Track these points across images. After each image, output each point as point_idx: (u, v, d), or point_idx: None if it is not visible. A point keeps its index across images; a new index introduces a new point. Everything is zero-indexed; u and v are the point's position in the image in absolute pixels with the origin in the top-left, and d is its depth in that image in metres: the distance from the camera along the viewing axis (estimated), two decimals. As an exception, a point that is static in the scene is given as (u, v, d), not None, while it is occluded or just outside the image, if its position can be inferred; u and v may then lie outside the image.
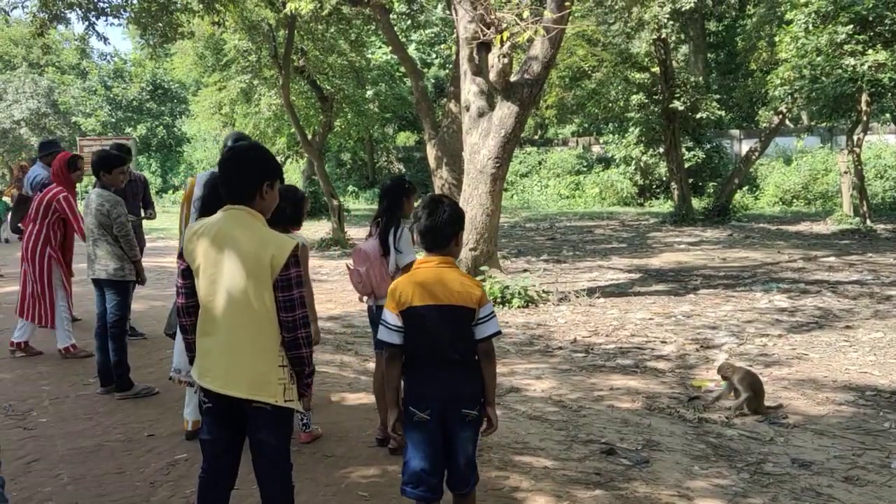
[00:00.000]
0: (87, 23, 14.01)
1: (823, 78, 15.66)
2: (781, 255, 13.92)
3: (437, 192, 13.34)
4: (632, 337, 7.94)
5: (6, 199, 17.87)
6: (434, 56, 36.01)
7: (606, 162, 29.90)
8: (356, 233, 18.05)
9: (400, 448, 4.49)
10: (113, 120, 40.86)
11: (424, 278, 3.17)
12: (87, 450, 4.82)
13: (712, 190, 24.31)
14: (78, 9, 13.69)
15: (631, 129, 25.96)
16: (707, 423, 5.27)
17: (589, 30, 21.03)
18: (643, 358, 7.08)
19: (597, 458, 4.60)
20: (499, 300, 9.36)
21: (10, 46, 42.80)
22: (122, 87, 42.12)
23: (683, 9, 19.29)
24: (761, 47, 20.91)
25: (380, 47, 29.82)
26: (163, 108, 42.61)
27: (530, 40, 9.24)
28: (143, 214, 8.29)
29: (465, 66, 10.38)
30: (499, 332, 3.22)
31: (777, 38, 17.62)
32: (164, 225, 20.88)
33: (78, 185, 7.36)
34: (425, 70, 33.31)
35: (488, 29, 9.47)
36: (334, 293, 10.86)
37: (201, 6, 14.48)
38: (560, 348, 7.56)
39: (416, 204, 4.88)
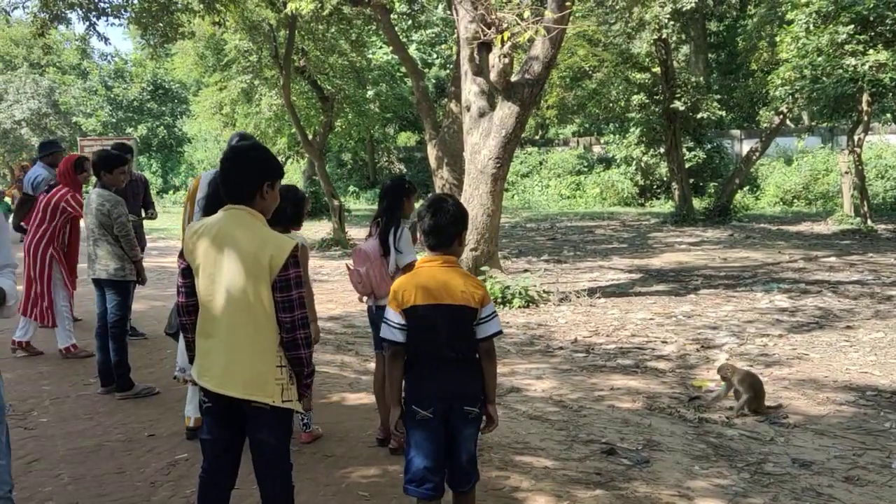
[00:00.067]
0: (87, 23, 14.04)
1: (824, 78, 15.65)
2: (782, 255, 13.92)
3: (438, 192, 13.34)
4: (632, 337, 7.94)
5: (7, 199, 17.87)
6: (435, 56, 36.00)
7: (607, 162, 29.88)
8: (357, 233, 18.05)
9: (400, 448, 4.49)
10: (114, 120, 40.87)
11: (428, 278, 3.19)
12: (88, 450, 4.82)
13: (713, 190, 24.30)
14: (79, 9, 13.70)
15: (632, 130, 25.95)
16: (707, 423, 5.26)
17: (590, 30, 21.00)
18: (644, 358, 7.08)
19: (597, 458, 4.60)
20: (499, 300, 9.36)
21: (11, 47, 42.81)
22: (123, 87, 42.13)
23: (684, 9, 19.27)
24: (762, 47, 20.86)
25: (381, 47, 29.81)
26: (163, 109, 42.61)
27: (531, 40, 9.24)
28: (143, 215, 8.30)
29: (465, 66, 10.38)
30: (500, 332, 3.26)
31: (778, 39, 17.60)
32: (164, 225, 20.89)
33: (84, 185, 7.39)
34: (426, 70, 33.31)
35: (489, 29, 9.47)
36: (335, 293, 10.86)
37: (202, 6, 14.48)
38: (561, 348, 7.55)
39: (417, 204, 4.90)
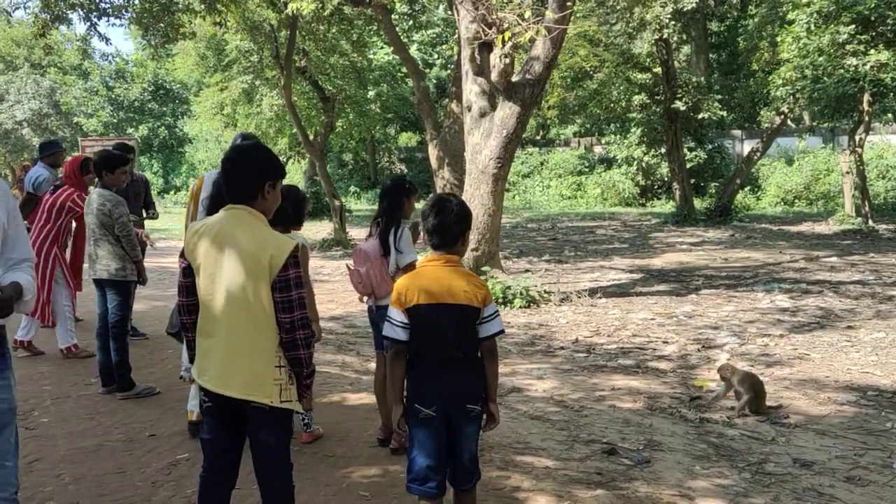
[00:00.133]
0: (88, 23, 14.05)
1: (825, 78, 15.64)
2: (783, 255, 13.91)
3: (440, 192, 13.34)
4: (633, 337, 7.93)
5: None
6: (436, 56, 36.03)
7: (608, 162, 29.87)
8: (358, 233, 18.05)
9: (401, 448, 4.49)
10: (115, 120, 40.89)
11: (431, 277, 3.21)
12: (89, 450, 4.83)
13: (714, 190, 24.28)
14: (80, 9, 13.72)
15: (633, 130, 25.94)
16: (708, 424, 5.26)
17: (591, 30, 21.00)
18: (645, 358, 7.08)
19: (598, 457, 4.59)
20: (500, 300, 9.36)
21: (13, 47, 42.83)
22: (124, 87, 42.15)
23: (685, 9, 19.27)
24: (763, 47, 20.83)
25: (381, 48, 29.83)
26: (164, 109, 42.63)
27: (532, 40, 9.23)
28: (145, 215, 8.30)
29: (466, 67, 10.38)
30: (502, 331, 3.29)
31: (779, 39, 17.58)
32: (165, 225, 20.91)
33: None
34: (427, 70, 33.33)
35: (490, 29, 9.47)
36: (336, 293, 10.86)
37: (203, 7, 14.49)
38: (562, 348, 7.55)
39: (417, 204, 4.90)
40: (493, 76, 9.71)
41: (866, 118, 17.85)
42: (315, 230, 19.99)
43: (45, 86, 38.93)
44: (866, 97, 16.85)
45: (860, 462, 4.51)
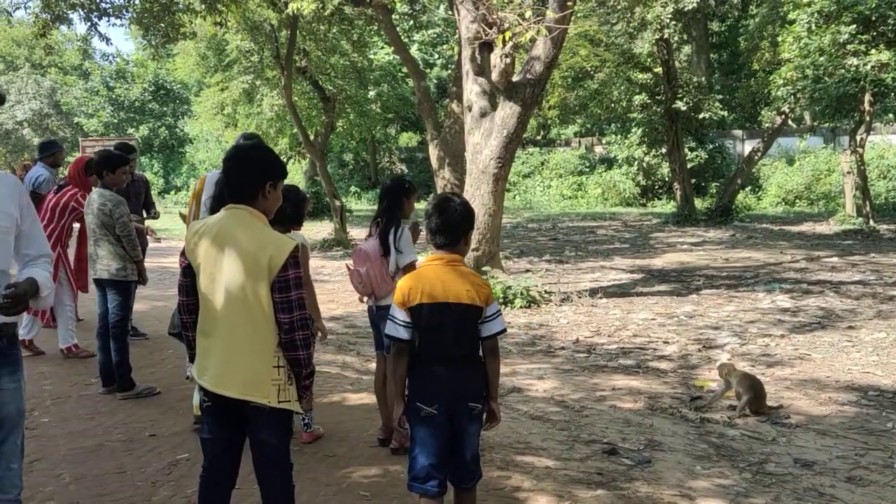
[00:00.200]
0: (89, 23, 14.04)
1: (826, 78, 15.63)
2: (784, 255, 13.90)
3: (441, 192, 13.34)
4: (634, 337, 7.93)
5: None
6: (436, 56, 36.01)
7: (609, 162, 29.85)
8: (358, 233, 18.04)
9: (402, 448, 4.49)
10: (115, 120, 40.90)
11: (434, 276, 3.22)
12: (89, 449, 4.82)
13: (715, 190, 24.27)
14: (80, 9, 13.71)
15: (633, 130, 25.92)
16: (709, 424, 5.26)
17: (591, 30, 21.00)
18: (645, 358, 7.07)
19: (599, 458, 4.59)
20: (501, 300, 9.35)
21: (13, 47, 42.87)
22: (125, 87, 42.15)
23: (686, 9, 19.25)
24: (764, 47, 20.82)
25: (382, 48, 29.82)
26: (165, 109, 42.63)
27: (532, 40, 9.23)
28: (146, 215, 8.31)
29: (467, 67, 10.38)
30: (504, 330, 3.31)
31: (780, 38, 17.57)
32: (165, 225, 20.88)
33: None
34: (427, 70, 33.31)
35: (490, 29, 9.46)
36: (336, 293, 10.86)
37: (203, 7, 14.49)
38: (562, 348, 7.55)
39: (419, 204, 4.90)
40: (494, 76, 9.70)
41: (867, 118, 17.84)
42: (315, 230, 19.99)
43: (45, 86, 38.95)
44: (867, 97, 16.84)
45: (861, 462, 4.50)
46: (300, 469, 4.02)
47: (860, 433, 5.00)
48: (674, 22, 19.29)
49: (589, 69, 23.14)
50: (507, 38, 9.06)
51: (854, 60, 14.89)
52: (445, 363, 3.18)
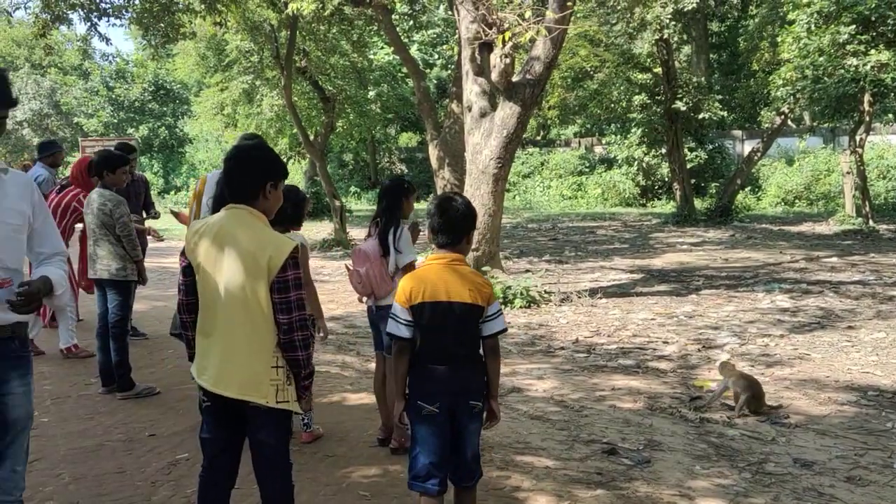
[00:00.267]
0: (89, 23, 14.05)
1: (826, 78, 15.63)
2: (783, 255, 13.90)
3: (440, 192, 13.35)
4: (634, 337, 7.93)
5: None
6: (436, 56, 36.02)
7: (609, 162, 29.85)
8: (358, 233, 18.04)
9: (401, 448, 4.49)
10: (115, 121, 40.90)
11: (436, 275, 3.23)
12: (89, 449, 4.82)
13: (714, 190, 24.27)
14: (80, 10, 13.72)
15: (633, 130, 25.93)
16: (708, 424, 5.26)
17: (591, 30, 20.98)
18: (645, 358, 7.07)
19: (598, 457, 4.59)
20: (501, 301, 9.35)
21: (13, 47, 42.84)
22: (125, 87, 42.15)
23: (686, 9, 19.26)
24: (763, 48, 20.82)
25: (382, 48, 29.83)
26: (165, 109, 42.63)
27: (532, 40, 9.23)
28: (145, 215, 8.30)
29: (467, 67, 10.38)
30: (505, 330, 3.33)
31: (779, 39, 17.58)
32: (165, 225, 20.87)
33: None
34: (427, 71, 33.32)
35: (490, 29, 9.47)
36: (336, 293, 10.86)
37: (203, 7, 14.49)
38: (562, 348, 7.55)
39: (419, 204, 4.90)
40: (494, 76, 9.70)
41: (867, 118, 17.83)
42: (315, 230, 19.99)
43: (45, 86, 38.95)
44: (867, 97, 16.84)
45: (860, 462, 4.51)
46: (300, 469, 4.03)
47: (859, 433, 5.00)
48: (673, 22, 19.29)
49: (589, 69, 23.12)
50: (506, 39, 9.06)
51: (853, 61, 14.90)
52: (447, 362, 3.19)
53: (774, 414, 5.38)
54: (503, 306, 9.31)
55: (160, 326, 8.43)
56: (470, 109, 10.35)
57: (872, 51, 14.82)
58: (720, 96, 25.14)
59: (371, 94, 26.96)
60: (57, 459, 4.65)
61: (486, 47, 9.94)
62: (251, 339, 2.89)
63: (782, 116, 19.63)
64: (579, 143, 33.86)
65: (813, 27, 15.60)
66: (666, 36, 19.71)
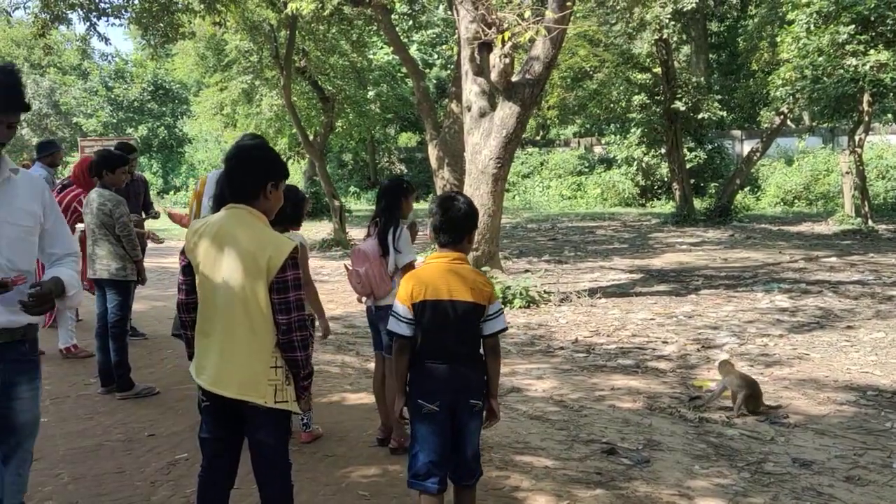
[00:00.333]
0: (88, 23, 14.05)
1: (825, 78, 15.63)
2: (783, 255, 13.91)
3: (439, 192, 13.36)
4: (633, 337, 7.93)
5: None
6: (436, 56, 36.02)
7: (608, 163, 29.86)
8: (357, 233, 18.04)
9: (401, 448, 4.49)
10: (114, 120, 40.88)
11: (437, 274, 3.25)
12: (88, 449, 4.82)
13: (714, 190, 24.28)
14: (79, 9, 13.72)
15: (633, 130, 25.93)
16: (708, 423, 5.26)
17: (590, 30, 20.98)
18: (644, 358, 7.08)
19: (598, 457, 4.59)
20: (500, 301, 9.34)
21: (12, 47, 42.81)
22: (124, 87, 42.14)
23: (685, 9, 19.27)
24: (763, 48, 20.81)
25: (381, 48, 29.82)
26: (164, 109, 42.61)
27: (532, 40, 9.23)
28: (145, 216, 8.29)
29: (466, 67, 10.38)
30: (506, 329, 3.35)
31: (778, 39, 17.57)
32: (164, 225, 20.88)
33: None
34: (427, 70, 33.32)
35: (490, 29, 9.47)
36: (335, 293, 10.86)
37: (202, 6, 14.49)
38: (561, 348, 7.55)
39: (418, 204, 4.90)
40: (493, 76, 9.71)
41: (866, 118, 17.85)
42: (315, 230, 19.99)
43: (44, 86, 38.94)
44: (866, 97, 16.85)
45: (859, 462, 4.51)
46: (299, 469, 4.03)
47: (859, 433, 5.01)
48: (673, 22, 19.30)
49: (588, 69, 23.12)
50: (506, 39, 9.06)
51: (853, 61, 14.90)
52: (447, 360, 3.20)
53: (773, 414, 5.39)
54: (503, 306, 9.30)
55: (159, 326, 8.44)
56: (469, 109, 10.35)
57: (871, 51, 14.82)
58: (719, 96, 25.15)
59: (370, 93, 26.96)
60: (56, 459, 4.65)
61: (486, 47, 9.94)
62: (250, 339, 2.89)
63: (781, 116, 19.64)
64: (579, 143, 33.86)
65: (812, 27, 15.60)
66: (665, 36, 19.72)
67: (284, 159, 3.14)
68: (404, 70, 25.52)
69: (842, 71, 15.12)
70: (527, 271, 12.04)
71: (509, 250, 15.00)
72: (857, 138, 18.27)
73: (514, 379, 6.40)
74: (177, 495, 4.10)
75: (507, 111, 9.66)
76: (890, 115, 21.18)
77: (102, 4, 14.04)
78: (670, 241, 17.10)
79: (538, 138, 35.87)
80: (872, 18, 15.19)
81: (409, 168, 35.55)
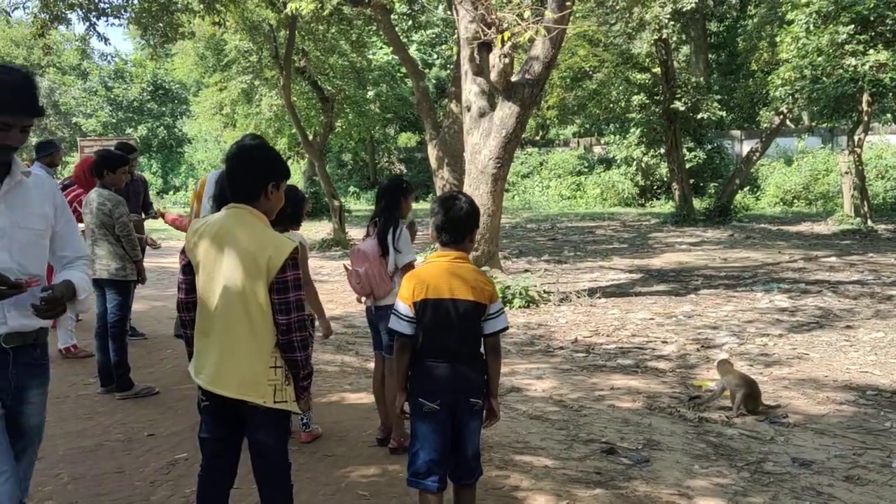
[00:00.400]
0: (87, 23, 14.05)
1: (824, 78, 15.64)
2: (782, 255, 13.91)
3: (439, 192, 13.36)
4: (633, 337, 7.93)
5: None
6: (435, 56, 36.01)
7: (608, 162, 29.87)
8: (357, 233, 18.02)
9: (400, 448, 4.49)
10: (114, 120, 40.88)
11: (439, 272, 3.25)
12: (87, 449, 4.82)
13: (713, 190, 24.28)
14: (79, 9, 13.71)
15: (632, 130, 25.94)
16: (707, 423, 5.26)
17: (590, 30, 20.99)
18: (644, 358, 7.08)
19: (597, 457, 4.59)
20: (500, 300, 9.34)
21: (12, 47, 42.76)
22: (123, 87, 42.13)
23: (684, 9, 19.26)
24: (762, 48, 20.83)
25: (381, 48, 29.81)
26: (163, 109, 42.62)
27: (531, 40, 9.23)
28: (144, 216, 8.29)
29: (466, 67, 10.38)
30: (507, 328, 3.35)
31: (778, 39, 17.58)
32: (164, 225, 20.88)
33: None
34: (426, 70, 33.32)
35: (489, 29, 9.47)
36: (335, 293, 10.86)
37: (202, 6, 14.49)
38: (561, 348, 7.55)
39: (417, 204, 4.90)
40: (493, 76, 9.71)
41: (865, 118, 17.85)
42: (314, 230, 19.98)
43: (43, 86, 38.84)
44: (865, 97, 16.86)
45: (859, 461, 4.51)
46: (299, 469, 4.03)
47: (858, 432, 5.01)
48: (672, 22, 19.30)
49: (587, 69, 23.13)
50: (505, 38, 9.07)
51: (852, 61, 14.90)
52: (448, 359, 3.21)
53: (773, 413, 5.39)
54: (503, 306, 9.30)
55: (159, 326, 8.44)
56: (469, 109, 10.35)
57: (871, 51, 14.83)
58: (719, 96, 25.17)
59: (370, 93, 26.96)
60: (56, 459, 4.65)
61: (485, 47, 9.94)
62: (250, 339, 2.89)
63: (781, 116, 19.64)
64: (578, 143, 33.87)
65: (811, 27, 15.61)
66: (665, 36, 19.72)
67: (284, 159, 3.13)
68: (404, 70, 25.52)
69: (841, 71, 15.13)
70: (526, 271, 12.04)
71: (509, 250, 15.01)
72: (856, 138, 18.27)
73: (514, 379, 6.40)
74: (176, 495, 4.10)
75: (506, 111, 9.66)
76: (889, 115, 21.20)
77: (102, 4, 14.05)
78: (670, 240, 17.10)
79: (538, 138, 35.88)
80: (872, 18, 15.20)
81: (408, 168, 35.55)
